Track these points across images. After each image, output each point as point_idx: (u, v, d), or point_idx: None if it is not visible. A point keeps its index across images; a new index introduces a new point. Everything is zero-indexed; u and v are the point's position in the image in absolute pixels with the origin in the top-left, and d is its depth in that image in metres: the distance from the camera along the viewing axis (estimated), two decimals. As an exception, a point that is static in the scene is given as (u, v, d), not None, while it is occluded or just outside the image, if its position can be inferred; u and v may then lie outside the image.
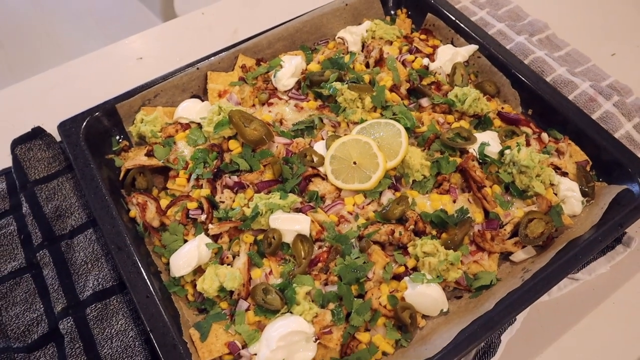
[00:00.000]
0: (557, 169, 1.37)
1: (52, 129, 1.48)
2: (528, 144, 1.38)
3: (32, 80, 1.71)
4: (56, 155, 1.46)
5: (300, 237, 1.21)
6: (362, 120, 1.40)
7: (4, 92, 1.68)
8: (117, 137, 1.47)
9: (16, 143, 1.46)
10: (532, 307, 1.23)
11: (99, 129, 1.44)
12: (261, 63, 1.58)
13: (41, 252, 1.29)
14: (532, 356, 1.18)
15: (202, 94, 1.56)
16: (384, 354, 1.13)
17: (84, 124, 1.41)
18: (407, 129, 1.36)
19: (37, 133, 1.48)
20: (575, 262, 1.16)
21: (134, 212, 1.31)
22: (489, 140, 1.36)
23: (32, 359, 1.16)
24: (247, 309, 1.15)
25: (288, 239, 1.22)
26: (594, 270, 1.28)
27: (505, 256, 1.28)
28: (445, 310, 1.18)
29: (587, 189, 1.33)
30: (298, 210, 1.27)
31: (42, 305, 1.24)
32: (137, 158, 1.38)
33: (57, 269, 1.26)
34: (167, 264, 1.25)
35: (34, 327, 1.21)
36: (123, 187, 1.38)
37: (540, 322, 1.23)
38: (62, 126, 1.42)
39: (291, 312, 1.13)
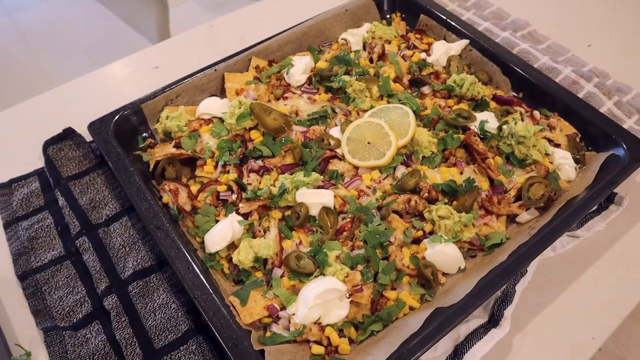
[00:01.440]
0: (550, 141, 1.51)
1: (81, 132, 1.58)
2: (524, 120, 1.53)
3: (54, 90, 1.81)
4: (86, 154, 1.55)
5: (326, 210, 1.32)
6: (372, 107, 1.53)
7: (33, 99, 1.79)
8: (143, 135, 1.58)
9: (48, 144, 1.55)
10: (540, 263, 1.36)
11: (127, 127, 1.55)
12: (273, 64, 1.72)
13: (80, 239, 1.36)
14: (544, 304, 1.29)
15: (219, 94, 1.68)
16: (411, 308, 1.22)
17: (113, 122, 1.52)
18: (413, 112, 1.50)
19: (68, 134, 1.57)
20: (575, 216, 1.29)
21: (166, 198, 1.40)
22: (488, 118, 1.50)
23: (78, 336, 1.23)
24: (282, 275, 1.24)
25: (314, 211, 1.32)
26: (592, 227, 1.41)
27: (511, 219, 1.40)
28: (462, 267, 1.28)
29: (578, 157, 1.48)
30: (321, 188, 1.38)
31: (84, 288, 1.31)
32: (166, 149, 1.48)
33: (97, 253, 1.34)
34: (202, 243, 1.34)
35: (77, 307, 1.27)
36: (154, 178, 1.48)
37: (548, 276, 1.34)
38: (92, 126, 1.52)
39: (324, 274, 1.22)
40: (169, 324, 1.22)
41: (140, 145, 1.55)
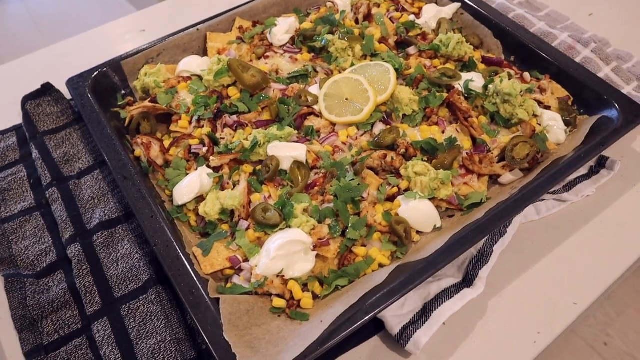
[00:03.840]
0: (540, 103, 1.44)
1: (62, 90, 1.56)
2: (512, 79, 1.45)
3: (42, 51, 1.80)
4: (64, 110, 1.54)
5: (298, 163, 1.27)
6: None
7: (16, 61, 1.78)
8: (122, 93, 1.55)
9: (26, 99, 1.55)
10: (523, 226, 1.29)
11: (106, 85, 1.53)
12: (257, 25, 1.68)
13: (50, 190, 1.34)
14: (524, 268, 1.22)
15: (202, 54, 1.65)
16: (381, 265, 1.17)
17: (91, 78, 1.50)
18: (395, 70, 1.44)
19: (47, 89, 1.56)
20: (559, 175, 1.22)
21: (138, 151, 1.38)
22: (474, 77, 1.43)
23: (40, 284, 1.20)
24: (247, 228, 1.20)
25: (285, 165, 1.27)
26: (581, 191, 1.33)
27: (494, 180, 1.33)
28: (438, 225, 1.22)
29: (569, 119, 1.40)
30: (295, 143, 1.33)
31: (50, 239, 1.29)
32: (141, 103, 1.45)
33: (65, 203, 1.32)
34: (171, 196, 1.30)
35: (42, 257, 1.25)
36: (128, 133, 1.45)
37: (531, 239, 1.27)
38: (71, 81, 1.50)
39: (289, 227, 1.17)
40: (130, 273, 1.19)
41: (119, 103, 1.53)
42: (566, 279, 1.21)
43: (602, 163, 1.38)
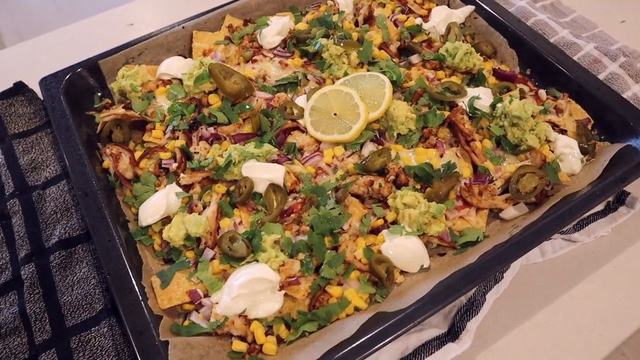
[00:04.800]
0: (555, 126, 1.27)
1: (37, 88, 1.46)
2: (524, 99, 1.29)
3: (23, 44, 1.71)
4: (37, 111, 1.44)
5: (273, 187, 1.15)
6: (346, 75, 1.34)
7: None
8: (100, 95, 1.44)
9: (-2, 98, 1.45)
10: (524, 268, 1.14)
11: (81, 86, 1.42)
12: (249, 24, 1.54)
13: (12, 201, 1.25)
14: (521, 319, 1.08)
15: (187, 54, 1.52)
16: (357, 309, 1.04)
17: (65, 79, 1.39)
18: (393, 82, 1.29)
19: (19, 88, 1.46)
20: (570, 216, 1.06)
21: (107, 162, 1.27)
22: (481, 94, 1.27)
23: (-8, 305, 1.12)
24: (213, 258, 1.09)
25: (260, 188, 1.15)
26: (594, 231, 1.18)
27: (495, 215, 1.18)
28: (425, 266, 1.09)
29: (587, 146, 1.24)
30: (274, 162, 1.21)
31: (8, 254, 1.20)
32: (114, 110, 1.34)
33: (25, 217, 1.23)
34: (137, 214, 1.20)
35: (-3, 274, 1.17)
36: (100, 140, 1.35)
37: (531, 284, 1.13)
38: (44, 81, 1.40)
39: (257, 260, 1.06)
40: (85, 301, 1.09)
41: (96, 105, 1.42)
42: (569, 334, 1.07)
43: (621, 199, 1.22)
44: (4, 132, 1.39)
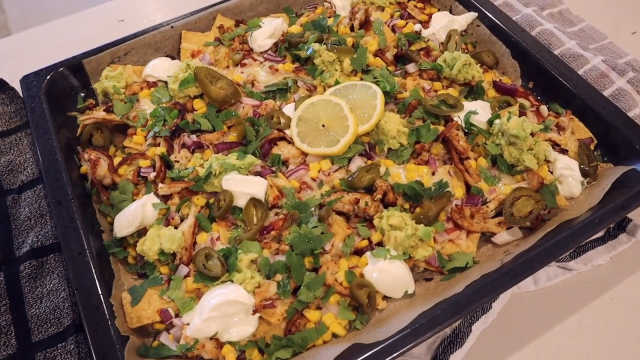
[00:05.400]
0: (555, 145, 1.21)
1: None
2: (523, 116, 1.22)
3: (10, 38, 1.66)
4: (18, 110, 1.40)
5: (254, 202, 1.09)
6: (337, 84, 1.28)
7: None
8: (83, 95, 1.39)
9: (-21, 96, 1.40)
10: (515, 297, 1.08)
11: (64, 85, 1.37)
12: (241, 25, 1.48)
13: (-15, 205, 1.21)
14: (508, 352, 1.02)
15: (175, 55, 1.47)
16: (334, 335, 0.99)
17: (47, 78, 1.34)
18: (386, 93, 1.23)
19: (0, 86, 1.41)
20: (565, 245, 1.00)
21: (85, 168, 1.22)
22: (479, 109, 1.21)
23: (-42, 315, 1.08)
24: (187, 275, 1.04)
25: (241, 202, 1.10)
26: (591, 260, 1.11)
27: (487, 237, 1.12)
28: (410, 292, 1.03)
29: (588, 169, 1.17)
30: (257, 174, 1.15)
31: (-20, 261, 1.16)
32: (94, 113, 1.29)
33: (-2, 222, 1.18)
34: (112, 224, 1.15)
35: (-34, 282, 1.12)
36: (80, 144, 1.30)
37: (521, 315, 1.07)
38: (25, 79, 1.35)
39: (232, 281, 1.00)
40: (53, 315, 1.05)
41: (79, 106, 1.37)
42: (559, 370, 1.01)
43: (622, 226, 1.15)
44: (-18, 131, 1.35)
